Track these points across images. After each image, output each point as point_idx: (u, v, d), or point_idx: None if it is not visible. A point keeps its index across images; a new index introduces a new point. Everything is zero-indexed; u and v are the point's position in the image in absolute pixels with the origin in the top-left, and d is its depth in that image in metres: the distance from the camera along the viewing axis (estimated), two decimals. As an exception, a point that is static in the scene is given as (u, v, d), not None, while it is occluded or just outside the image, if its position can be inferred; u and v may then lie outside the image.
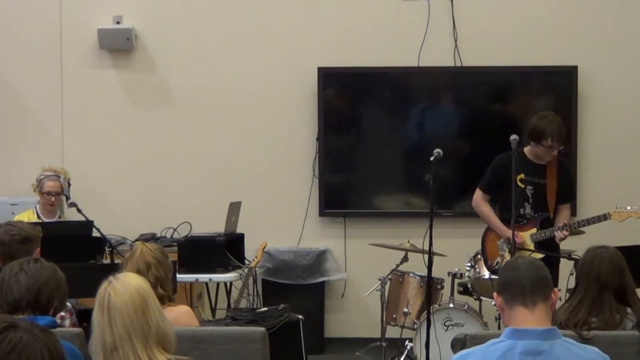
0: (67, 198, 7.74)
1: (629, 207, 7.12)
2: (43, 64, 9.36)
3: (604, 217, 7.12)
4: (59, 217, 8.14)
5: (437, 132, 9.39)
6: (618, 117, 9.21)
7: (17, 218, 7.72)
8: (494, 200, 7.46)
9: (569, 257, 6.94)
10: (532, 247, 7.09)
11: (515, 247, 6.90)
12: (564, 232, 7.11)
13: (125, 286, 3.55)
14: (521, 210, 7.17)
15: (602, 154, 9.21)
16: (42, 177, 7.96)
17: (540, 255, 6.78)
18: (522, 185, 7.18)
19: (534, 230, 7.17)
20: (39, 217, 7.91)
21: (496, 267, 7.15)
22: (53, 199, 7.91)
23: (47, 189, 7.90)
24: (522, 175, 7.17)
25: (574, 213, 8.15)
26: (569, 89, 9.13)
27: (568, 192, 7.45)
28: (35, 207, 8.04)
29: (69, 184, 8.09)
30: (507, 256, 7.09)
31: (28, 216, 7.89)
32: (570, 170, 7.55)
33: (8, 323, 2.42)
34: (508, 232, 7.17)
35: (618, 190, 8.88)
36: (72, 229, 7.50)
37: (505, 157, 7.32)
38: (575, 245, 7.35)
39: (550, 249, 7.10)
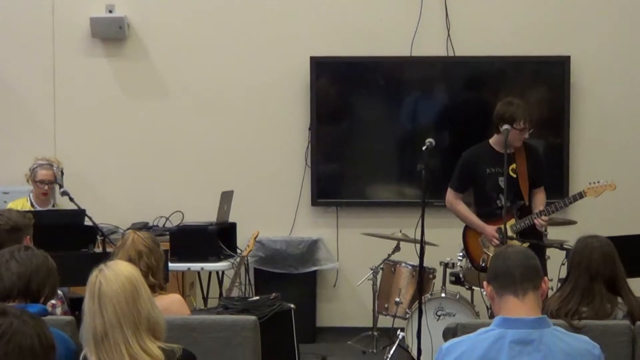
0: (60, 187, 7.74)
1: (601, 181, 7.10)
2: (35, 52, 9.34)
3: (580, 196, 7.10)
4: (53, 206, 8.13)
5: (430, 121, 9.40)
6: (610, 107, 9.22)
7: (10, 205, 7.74)
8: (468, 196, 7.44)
9: (561, 247, 6.95)
10: (514, 237, 7.05)
11: (506, 237, 6.89)
12: (543, 217, 7.09)
13: (116, 274, 3.54)
14: (497, 202, 7.16)
15: (594, 144, 9.22)
16: (35, 165, 7.96)
17: (526, 244, 6.76)
18: (494, 178, 7.15)
19: (513, 221, 7.15)
20: (32, 205, 7.90)
21: (483, 265, 7.12)
22: (46, 187, 7.91)
23: (41, 177, 7.90)
24: (492, 169, 7.14)
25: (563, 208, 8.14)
26: (561, 79, 9.13)
27: (540, 175, 7.31)
28: (29, 196, 8.03)
29: (62, 173, 8.08)
30: (492, 252, 7.06)
31: (22, 204, 7.88)
32: (539, 152, 7.48)
33: (-2, 309, 2.43)
34: (488, 228, 7.16)
35: (610, 180, 8.88)
36: (64, 217, 7.49)
37: (469, 153, 7.34)
38: (566, 235, 7.37)
39: (534, 237, 7.10)
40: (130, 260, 4.70)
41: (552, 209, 7.12)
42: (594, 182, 7.10)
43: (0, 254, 4.05)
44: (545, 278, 3.75)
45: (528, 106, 7.22)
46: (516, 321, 3.58)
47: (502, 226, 6.93)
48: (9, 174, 8.85)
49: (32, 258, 4.02)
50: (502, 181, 7.03)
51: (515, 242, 6.88)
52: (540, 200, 7.26)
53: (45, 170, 7.91)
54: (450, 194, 7.40)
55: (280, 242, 9.10)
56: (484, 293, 6.59)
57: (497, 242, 7.03)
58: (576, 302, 4.89)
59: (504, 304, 3.64)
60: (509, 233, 7.02)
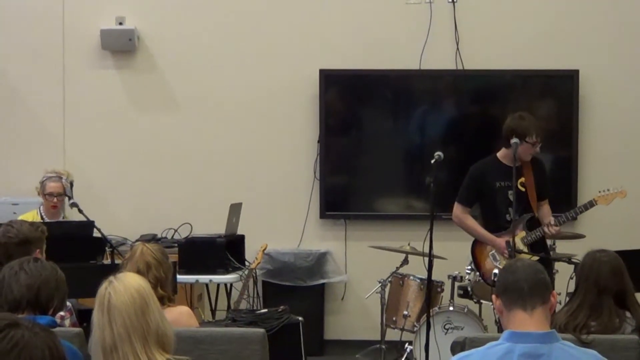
0: (70, 199, 7.74)
1: (611, 189, 7.09)
2: (45, 64, 9.37)
3: (590, 204, 7.10)
4: (63, 218, 8.12)
5: (438, 135, 9.40)
6: (619, 121, 9.21)
7: (20, 218, 7.72)
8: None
9: (569, 261, 6.94)
10: (525, 250, 7.04)
11: (514, 251, 6.88)
12: (554, 227, 7.07)
13: (126, 286, 3.55)
14: (507, 216, 7.15)
15: (603, 157, 9.21)
16: (44, 178, 7.95)
17: (535, 258, 6.75)
18: (503, 191, 7.15)
19: (523, 233, 7.14)
20: (42, 218, 7.89)
21: (494, 280, 7.09)
22: (55, 199, 7.88)
23: (49, 189, 7.89)
24: (501, 183, 7.14)
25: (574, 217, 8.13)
26: (570, 92, 9.13)
27: (546, 187, 7.32)
28: (39, 208, 8.02)
29: (71, 185, 8.08)
30: (503, 265, 7.04)
31: (32, 216, 7.86)
32: (544, 165, 7.50)
33: (10, 321, 2.43)
34: (498, 241, 7.15)
35: (620, 187, 8.86)
36: (73, 229, 7.50)
37: (478, 167, 7.33)
38: (575, 249, 7.36)
39: (542, 251, 7.09)
40: (138, 272, 4.71)
41: (563, 218, 7.13)
42: (604, 190, 7.10)
43: (10, 266, 4.06)
44: (554, 292, 3.75)
45: (538, 120, 7.25)
46: (525, 335, 3.57)
47: (511, 240, 6.92)
48: (18, 186, 8.87)
49: (41, 270, 4.03)
50: (511, 195, 7.03)
51: (525, 256, 6.86)
52: (547, 211, 7.27)
53: (53, 183, 7.91)
54: (457, 209, 7.38)
55: (289, 254, 9.11)
56: (493, 306, 6.61)
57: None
58: (584, 317, 4.89)
59: (512, 318, 3.64)
60: (520, 246, 7.02)
